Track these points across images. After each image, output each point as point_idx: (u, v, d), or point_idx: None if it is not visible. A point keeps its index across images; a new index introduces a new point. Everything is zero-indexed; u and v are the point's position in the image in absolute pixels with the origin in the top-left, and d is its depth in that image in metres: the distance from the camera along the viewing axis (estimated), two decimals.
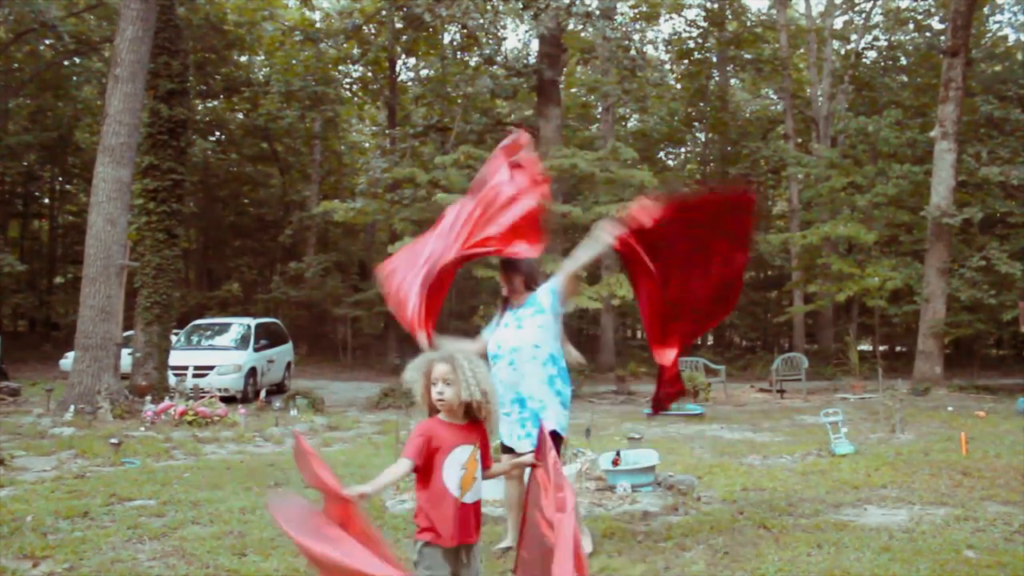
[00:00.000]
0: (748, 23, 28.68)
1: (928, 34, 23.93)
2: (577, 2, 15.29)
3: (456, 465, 2.80)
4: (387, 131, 24.41)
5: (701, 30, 28.89)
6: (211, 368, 14.44)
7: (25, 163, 26.27)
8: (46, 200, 30.88)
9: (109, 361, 11.23)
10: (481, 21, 17.28)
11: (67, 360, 14.46)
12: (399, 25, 23.90)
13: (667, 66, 27.99)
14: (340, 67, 27.01)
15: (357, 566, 2.34)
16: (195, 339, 16.32)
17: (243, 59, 27.37)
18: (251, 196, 31.81)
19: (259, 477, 6.81)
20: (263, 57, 27.66)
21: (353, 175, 30.91)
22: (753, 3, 59.09)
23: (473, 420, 2.88)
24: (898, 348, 25.97)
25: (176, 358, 14.06)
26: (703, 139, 32.83)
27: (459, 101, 22.65)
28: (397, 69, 26.73)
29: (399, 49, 25.87)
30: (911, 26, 25.27)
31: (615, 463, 5.99)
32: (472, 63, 24.34)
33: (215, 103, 27.86)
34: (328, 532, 2.43)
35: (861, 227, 17.16)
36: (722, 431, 10.11)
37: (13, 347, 21.23)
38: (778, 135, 28.19)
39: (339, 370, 23.50)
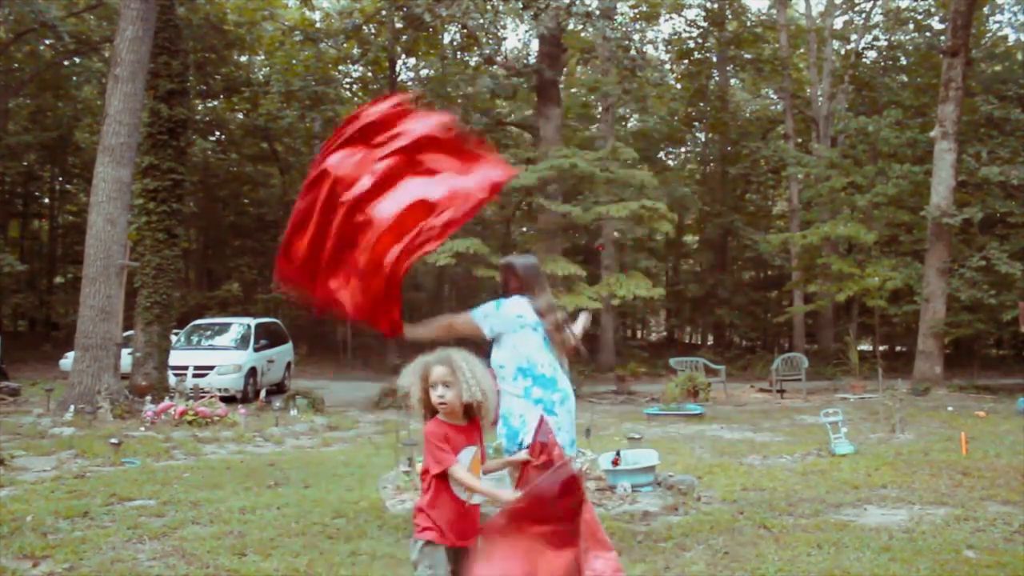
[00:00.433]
0: (748, 23, 28.70)
1: (928, 34, 23.93)
2: (577, 2, 15.29)
3: (463, 468, 2.81)
4: None
5: (701, 30, 28.91)
6: (211, 368, 14.44)
7: (25, 163, 26.27)
8: (46, 200, 30.87)
9: (109, 361, 11.23)
10: (481, 21, 17.29)
11: (67, 360, 14.46)
12: (399, 25, 23.91)
13: (667, 66, 28.00)
14: (340, 67, 27.02)
15: None
16: (195, 339, 16.31)
17: (243, 59, 27.36)
18: (251, 196, 31.79)
19: (259, 477, 6.81)
20: (263, 57, 27.64)
21: None
22: (753, 3, 59.13)
23: (472, 420, 2.88)
24: (898, 348, 25.96)
25: (176, 358, 14.05)
26: (703, 139, 32.85)
27: (459, 101, 22.65)
28: (397, 69, 26.74)
29: (399, 49, 25.88)
30: (911, 26, 25.28)
31: (615, 463, 5.99)
32: (472, 63, 24.35)
33: (215, 103, 27.85)
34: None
35: (861, 227, 17.17)
36: (722, 431, 10.11)
37: (13, 347, 21.22)
38: (778, 135, 28.20)
39: (339, 370, 23.49)
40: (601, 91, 22.57)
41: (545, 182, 16.17)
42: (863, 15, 26.79)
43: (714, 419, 11.49)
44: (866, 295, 16.85)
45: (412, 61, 28.76)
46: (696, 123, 31.41)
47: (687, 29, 29.43)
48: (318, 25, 26.24)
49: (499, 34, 22.52)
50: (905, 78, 24.97)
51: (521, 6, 16.40)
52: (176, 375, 13.62)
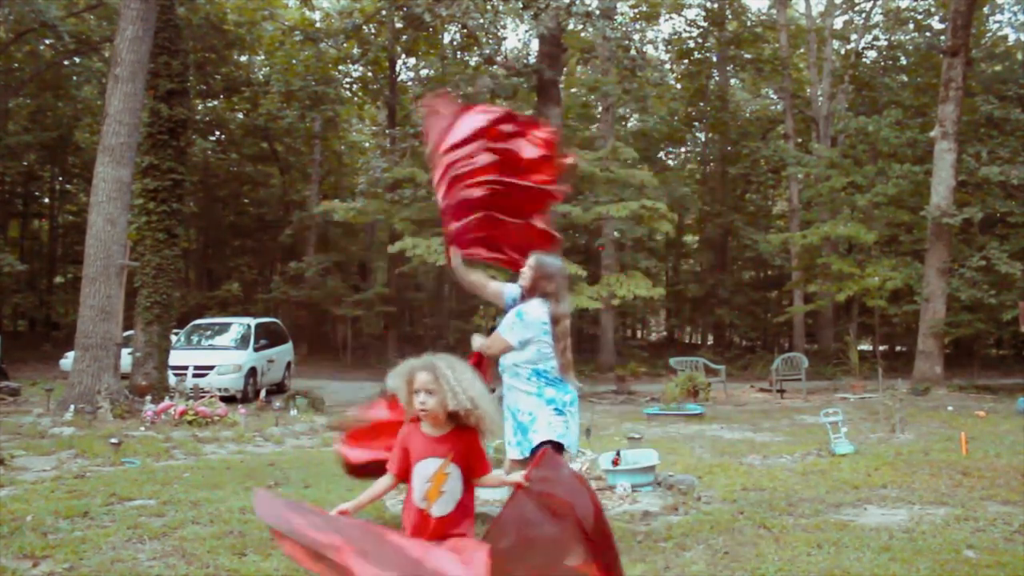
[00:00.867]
0: (748, 23, 28.70)
1: (928, 34, 23.92)
2: (577, 2, 15.28)
3: (420, 478, 2.75)
4: (387, 131, 24.39)
5: (701, 30, 28.91)
6: (211, 368, 14.44)
7: (25, 163, 26.28)
8: (46, 200, 30.89)
9: (109, 361, 11.22)
10: (481, 21, 17.28)
11: (67, 360, 14.46)
12: (399, 25, 23.90)
13: (667, 66, 28.00)
14: (340, 67, 27.00)
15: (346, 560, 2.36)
16: (195, 339, 16.31)
17: (243, 59, 27.36)
18: (251, 196, 31.81)
19: (259, 477, 6.81)
20: (263, 57, 27.64)
21: (353, 175, 30.91)
22: (753, 3, 59.15)
23: (459, 428, 2.78)
24: (898, 348, 25.96)
25: (176, 358, 14.05)
26: (703, 139, 32.84)
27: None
28: (397, 69, 26.74)
29: (399, 49, 25.88)
30: (911, 26, 25.28)
31: (615, 463, 5.99)
32: (472, 63, 24.34)
33: (215, 103, 27.85)
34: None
35: (861, 227, 17.17)
36: (722, 431, 10.11)
37: (13, 347, 21.22)
38: (778, 135, 28.20)
39: (339, 370, 23.49)
40: (601, 91, 22.57)
41: None
42: (863, 15, 26.79)
43: (714, 419, 11.49)
44: (866, 295, 16.85)
45: (412, 61, 28.77)
46: (696, 123, 31.41)
47: (687, 29, 29.45)
48: (318, 25, 26.24)
49: (499, 34, 22.52)
50: (905, 78, 24.97)
51: (521, 6, 16.39)
52: (176, 375, 13.62)
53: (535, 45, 19.80)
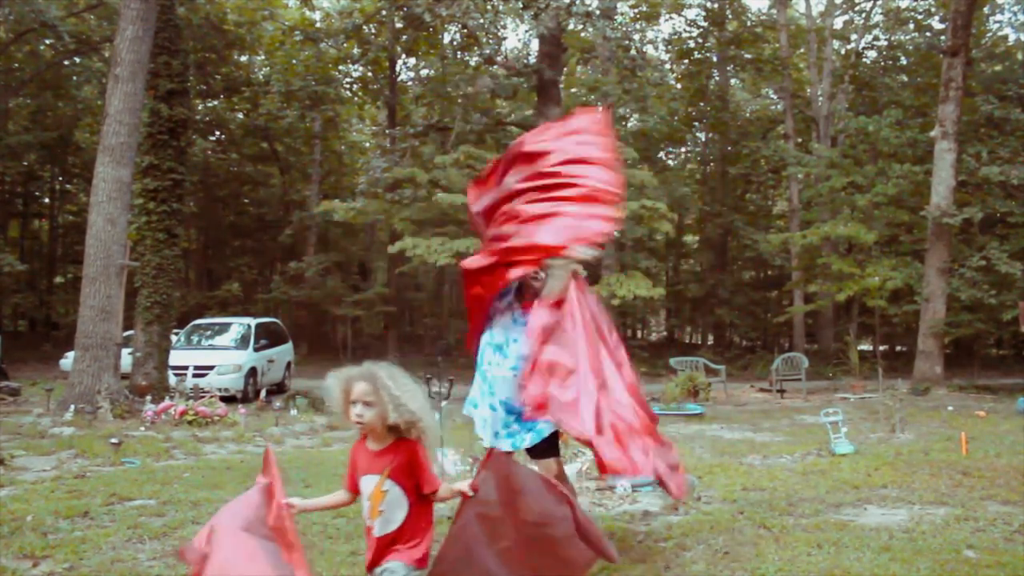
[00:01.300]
0: (748, 23, 28.70)
1: (928, 34, 23.93)
2: (577, 2, 15.28)
3: (363, 495, 2.63)
4: (387, 131, 24.41)
5: (701, 30, 28.91)
6: (211, 368, 14.44)
7: (25, 163, 26.29)
8: (46, 200, 30.91)
9: (109, 361, 11.22)
10: (481, 21, 17.29)
11: (67, 360, 14.46)
12: (399, 25, 23.90)
13: (667, 66, 28.00)
14: (340, 67, 27.01)
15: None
16: (195, 339, 16.32)
17: (243, 59, 27.37)
18: (251, 196, 31.82)
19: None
20: (263, 57, 27.66)
21: (353, 175, 30.92)
22: (753, 3, 59.14)
23: (399, 441, 2.63)
24: (898, 348, 25.96)
25: (176, 358, 14.06)
26: (703, 139, 32.84)
27: (459, 101, 22.65)
28: (397, 69, 26.74)
29: (399, 49, 25.88)
30: (911, 26, 25.28)
31: None
32: (472, 63, 24.35)
33: (215, 103, 27.86)
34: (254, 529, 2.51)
35: (861, 227, 17.16)
36: (722, 431, 10.10)
37: (13, 347, 21.22)
38: (778, 135, 28.21)
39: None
40: (601, 91, 22.55)
41: None
42: (863, 15, 26.80)
43: (714, 419, 11.48)
44: (866, 295, 16.85)
45: (412, 61, 28.76)
46: (696, 123, 31.41)
47: (687, 29, 29.45)
48: (318, 25, 26.25)
49: (499, 34, 22.51)
50: (905, 78, 24.98)
51: (521, 6, 16.40)
52: (176, 375, 13.62)
53: (535, 45, 19.81)
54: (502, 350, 4.20)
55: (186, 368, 14.21)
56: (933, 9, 24.32)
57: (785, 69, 25.05)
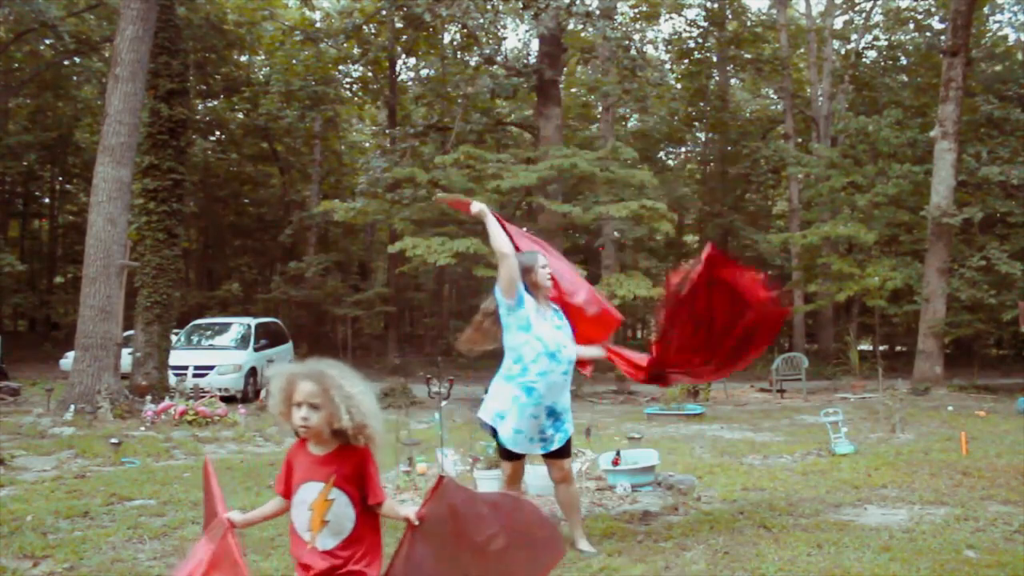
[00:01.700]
0: (748, 23, 28.67)
1: (928, 34, 23.92)
2: (577, 2, 15.28)
3: (302, 505, 2.40)
4: (387, 131, 24.41)
5: (701, 30, 28.87)
6: (211, 368, 14.45)
7: (25, 163, 26.28)
8: (46, 200, 30.91)
9: (109, 361, 11.22)
10: (481, 21, 17.28)
11: (67, 360, 14.46)
12: (399, 25, 23.89)
13: (667, 66, 27.96)
14: (340, 67, 27.00)
15: None
16: (195, 339, 16.32)
17: (243, 59, 27.37)
18: (251, 196, 31.82)
19: (259, 477, 6.81)
20: (263, 57, 27.65)
21: (353, 175, 30.89)
22: (753, 3, 59.14)
23: (345, 447, 2.41)
24: (898, 348, 25.96)
25: (176, 358, 14.07)
26: (703, 139, 32.83)
27: (459, 101, 22.65)
28: (397, 69, 26.73)
29: (399, 49, 25.87)
30: (911, 26, 25.27)
31: (615, 463, 5.98)
32: (472, 63, 24.34)
33: (215, 103, 27.86)
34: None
35: (861, 227, 17.16)
36: (722, 431, 10.10)
37: (13, 347, 21.22)
38: (778, 135, 28.19)
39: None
40: (601, 91, 22.55)
41: (545, 182, 16.17)
42: (863, 15, 26.79)
43: (714, 419, 11.48)
44: (866, 295, 16.85)
45: (412, 61, 28.75)
46: (696, 123, 31.39)
47: (687, 29, 29.41)
48: (318, 25, 26.23)
49: (499, 34, 22.52)
50: (905, 78, 24.96)
51: (521, 6, 16.39)
52: (176, 375, 13.62)
53: (535, 45, 19.79)
54: (555, 357, 4.27)
55: (186, 368, 14.22)
56: (933, 9, 24.31)
57: (785, 69, 25.04)
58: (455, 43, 26.24)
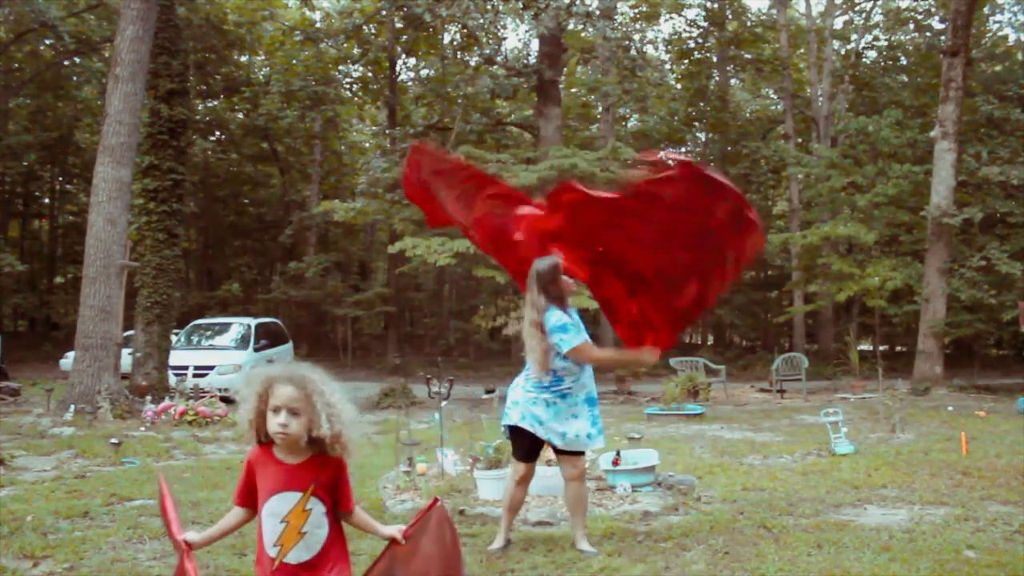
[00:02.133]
0: (748, 23, 28.67)
1: (928, 34, 23.92)
2: (577, 2, 15.29)
3: (273, 517, 2.28)
4: (387, 131, 24.41)
5: (701, 30, 28.88)
6: (211, 368, 14.45)
7: (25, 163, 26.30)
8: (46, 200, 30.91)
9: (109, 361, 11.23)
10: (481, 21, 17.29)
11: (67, 360, 14.47)
12: (399, 25, 23.90)
13: (667, 66, 27.99)
14: (340, 67, 27.00)
15: None
16: (195, 339, 16.33)
17: (243, 59, 27.37)
18: (251, 196, 31.82)
19: None
20: (263, 57, 27.66)
21: (353, 175, 30.89)
22: (753, 3, 59.16)
23: (320, 455, 2.29)
24: (898, 348, 25.95)
25: (176, 358, 14.07)
26: (703, 139, 32.82)
27: (459, 101, 22.65)
28: (397, 69, 26.73)
29: (399, 49, 25.87)
30: (911, 26, 25.27)
31: (615, 463, 5.99)
32: (472, 63, 24.35)
33: (215, 103, 27.87)
34: None
35: (861, 227, 17.16)
36: (722, 431, 10.10)
37: (13, 347, 21.23)
38: (778, 135, 28.19)
39: (339, 370, 23.47)
40: (601, 91, 22.57)
41: (545, 182, 16.14)
42: (863, 15, 26.79)
43: (714, 419, 11.48)
44: (866, 295, 16.84)
45: (412, 61, 28.75)
46: (696, 123, 31.38)
47: (687, 29, 29.41)
48: (318, 25, 26.24)
49: (499, 34, 22.52)
50: (905, 78, 24.96)
51: (521, 6, 16.40)
52: (176, 375, 13.63)
53: (535, 45, 19.80)
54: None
55: (186, 368, 14.22)
56: (933, 9, 24.31)
57: (785, 69, 25.04)
58: (455, 43, 26.25)
